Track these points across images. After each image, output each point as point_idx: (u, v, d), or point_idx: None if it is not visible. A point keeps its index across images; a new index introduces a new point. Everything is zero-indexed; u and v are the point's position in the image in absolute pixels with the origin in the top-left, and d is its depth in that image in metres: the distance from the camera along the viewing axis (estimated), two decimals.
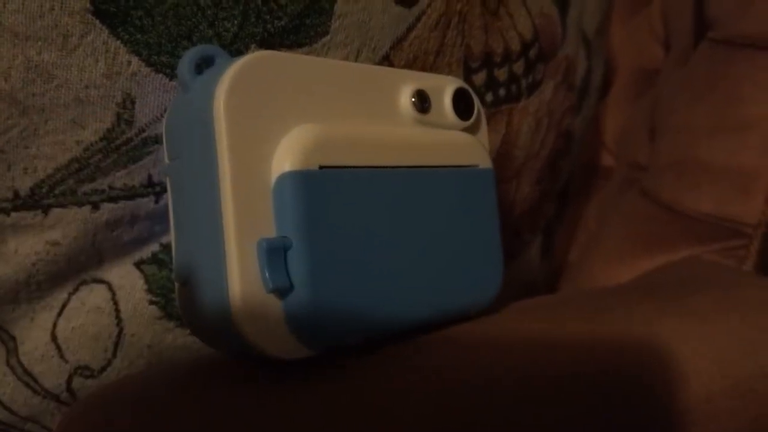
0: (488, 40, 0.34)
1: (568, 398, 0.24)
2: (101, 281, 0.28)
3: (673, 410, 0.25)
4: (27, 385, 0.28)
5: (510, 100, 0.37)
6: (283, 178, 0.22)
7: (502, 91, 0.36)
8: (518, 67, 0.37)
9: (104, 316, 0.28)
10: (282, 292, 0.22)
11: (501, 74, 0.36)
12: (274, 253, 0.22)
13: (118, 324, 0.28)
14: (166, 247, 0.28)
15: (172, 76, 0.25)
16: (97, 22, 0.24)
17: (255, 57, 0.23)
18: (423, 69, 0.32)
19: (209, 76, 0.23)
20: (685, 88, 0.47)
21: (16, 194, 0.25)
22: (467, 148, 0.28)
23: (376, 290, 0.24)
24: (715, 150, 0.43)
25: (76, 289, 0.28)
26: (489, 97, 0.36)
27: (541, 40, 0.38)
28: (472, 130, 0.29)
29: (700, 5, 0.47)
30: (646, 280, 0.40)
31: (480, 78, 0.35)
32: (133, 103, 0.25)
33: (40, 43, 0.23)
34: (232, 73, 0.22)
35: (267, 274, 0.22)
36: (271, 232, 0.22)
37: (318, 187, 0.23)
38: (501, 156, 0.38)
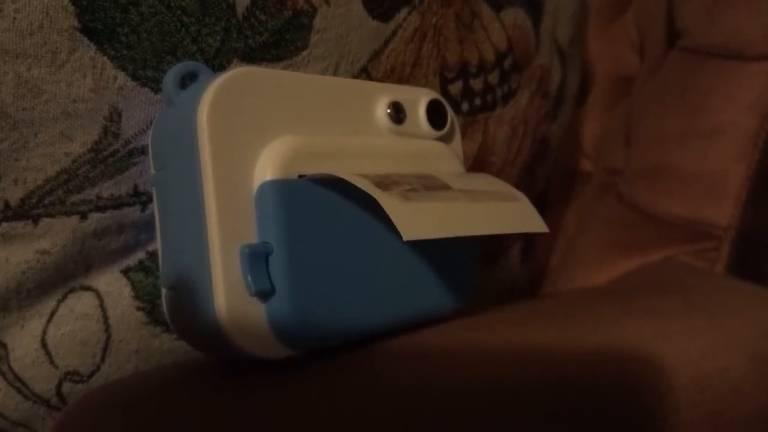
0: (463, 52, 0.36)
1: (537, 404, 0.25)
2: (89, 288, 0.28)
3: (638, 406, 0.26)
4: (18, 390, 0.28)
5: (486, 109, 0.38)
6: (265, 186, 0.23)
7: (477, 101, 0.37)
8: (493, 77, 0.38)
9: (92, 322, 0.28)
10: (264, 295, 0.23)
11: (476, 84, 0.37)
12: (257, 259, 0.23)
13: (106, 330, 0.29)
14: (152, 255, 0.29)
15: (157, 90, 0.26)
16: (85, 39, 0.24)
17: (236, 73, 0.24)
18: (400, 80, 0.33)
19: (193, 91, 0.24)
20: (657, 95, 0.48)
21: (7, 205, 0.26)
22: (441, 156, 0.29)
23: (355, 293, 0.25)
24: (686, 155, 0.44)
25: (64, 297, 0.28)
26: (465, 107, 0.37)
27: (515, 50, 0.39)
28: (446, 139, 0.30)
29: (671, 16, 0.49)
30: (618, 283, 0.42)
31: (456, 88, 0.36)
32: (119, 116, 0.26)
33: (29, 59, 0.24)
34: (214, 88, 0.23)
35: (250, 279, 0.22)
36: (253, 238, 0.23)
37: (298, 195, 0.24)
38: (478, 163, 0.39)
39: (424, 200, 0.24)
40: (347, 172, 0.24)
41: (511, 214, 0.27)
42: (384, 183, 0.24)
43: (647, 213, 0.46)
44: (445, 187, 0.26)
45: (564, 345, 0.27)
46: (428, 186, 0.25)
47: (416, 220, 0.23)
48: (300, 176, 0.24)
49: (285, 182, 0.23)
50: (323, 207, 0.24)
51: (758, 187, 0.43)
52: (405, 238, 0.22)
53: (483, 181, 0.29)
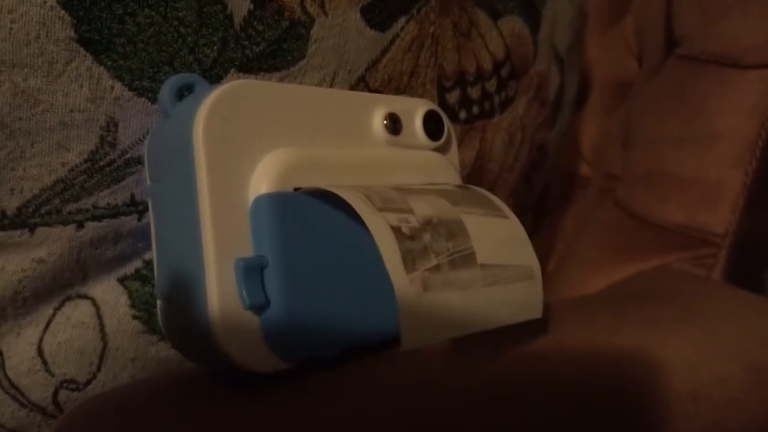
0: (461, 60, 0.36)
1: (537, 404, 0.25)
2: (86, 297, 0.28)
3: (638, 407, 0.26)
4: (14, 398, 0.28)
5: (483, 117, 0.38)
6: (260, 200, 0.23)
7: (475, 109, 0.37)
8: (491, 85, 0.38)
9: (89, 330, 0.28)
10: (259, 308, 0.23)
11: (474, 92, 0.37)
12: (251, 272, 0.23)
13: (102, 338, 0.29)
14: (149, 264, 0.29)
15: (153, 100, 0.26)
16: (82, 49, 0.24)
17: (232, 86, 0.24)
18: (398, 89, 0.33)
19: (189, 103, 0.23)
20: (655, 101, 0.48)
21: (3, 214, 0.26)
22: (437, 167, 0.29)
23: (349, 305, 0.25)
24: (684, 161, 0.44)
25: (61, 305, 0.28)
26: (463, 115, 0.37)
27: (513, 58, 0.39)
28: (442, 149, 0.30)
29: (669, 22, 0.49)
30: (614, 290, 0.42)
31: (454, 96, 0.36)
32: (116, 125, 0.26)
33: (26, 69, 0.24)
34: (210, 100, 0.23)
35: (244, 292, 0.22)
36: (248, 251, 0.23)
37: (293, 208, 0.24)
38: (475, 170, 0.39)
39: (442, 289, 0.24)
40: (371, 217, 0.23)
41: (517, 300, 0.26)
42: (412, 254, 0.23)
43: (644, 219, 0.46)
44: (471, 261, 0.25)
45: (564, 347, 0.27)
46: (454, 260, 0.24)
47: (423, 323, 0.23)
48: (296, 189, 0.24)
49: (280, 195, 0.23)
50: (319, 220, 0.24)
51: (756, 194, 0.43)
52: (403, 349, 0.21)
53: (513, 243, 0.27)
